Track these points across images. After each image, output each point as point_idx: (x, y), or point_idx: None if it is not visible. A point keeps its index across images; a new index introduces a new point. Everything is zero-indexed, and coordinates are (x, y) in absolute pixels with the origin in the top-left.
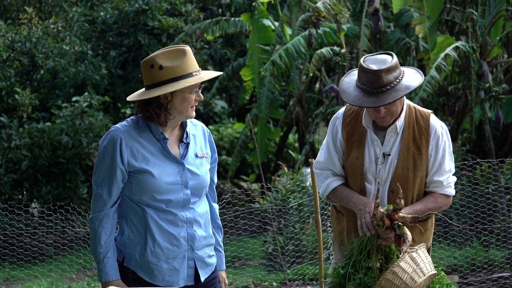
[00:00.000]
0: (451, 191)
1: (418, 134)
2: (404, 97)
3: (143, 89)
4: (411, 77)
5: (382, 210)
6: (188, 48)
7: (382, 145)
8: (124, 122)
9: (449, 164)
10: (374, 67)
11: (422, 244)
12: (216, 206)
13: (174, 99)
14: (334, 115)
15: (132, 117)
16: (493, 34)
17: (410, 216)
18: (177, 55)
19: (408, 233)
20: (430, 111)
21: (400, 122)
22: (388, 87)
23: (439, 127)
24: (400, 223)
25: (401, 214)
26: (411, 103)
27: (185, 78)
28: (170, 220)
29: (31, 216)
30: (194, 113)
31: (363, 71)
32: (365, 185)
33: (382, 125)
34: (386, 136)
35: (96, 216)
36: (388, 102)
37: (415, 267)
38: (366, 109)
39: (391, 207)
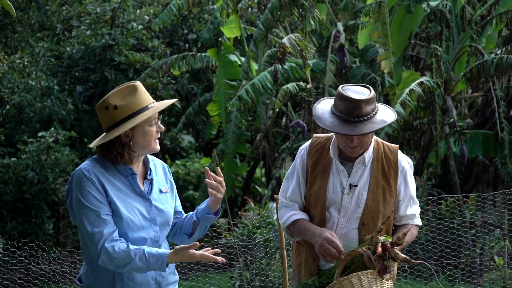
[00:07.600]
0: (420, 221)
1: (387, 167)
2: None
3: (104, 133)
4: (385, 112)
5: (381, 238)
6: (138, 83)
7: (349, 176)
8: (86, 162)
9: (416, 196)
10: (354, 96)
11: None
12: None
13: (135, 135)
14: (300, 148)
15: (93, 156)
16: (457, 70)
17: (403, 256)
18: (128, 92)
19: (395, 267)
20: (396, 145)
21: (368, 154)
22: (366, 118)
23: (405, 162)
24: (391, 256)
25: (396, 250)
26: (378, 138)
27: (142, 112)
28: None
29: None
30: (158, 146)
31: (342, 99)
32: (326, 215)
33: (351, 155)
34: (353, 167)
35: (102, 252)
36: (365, 132)
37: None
38: (337, 137)
39: (390, 239)
